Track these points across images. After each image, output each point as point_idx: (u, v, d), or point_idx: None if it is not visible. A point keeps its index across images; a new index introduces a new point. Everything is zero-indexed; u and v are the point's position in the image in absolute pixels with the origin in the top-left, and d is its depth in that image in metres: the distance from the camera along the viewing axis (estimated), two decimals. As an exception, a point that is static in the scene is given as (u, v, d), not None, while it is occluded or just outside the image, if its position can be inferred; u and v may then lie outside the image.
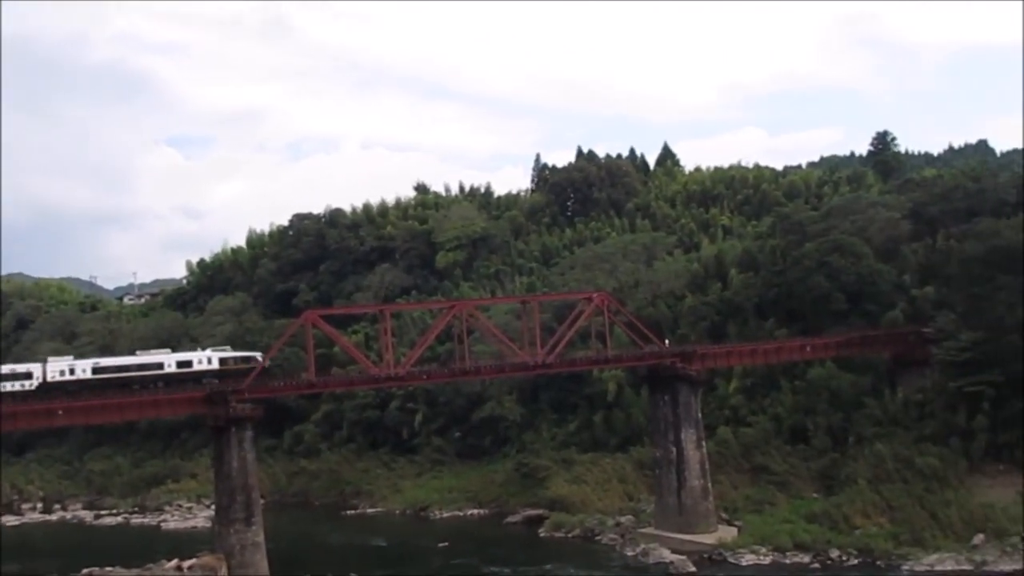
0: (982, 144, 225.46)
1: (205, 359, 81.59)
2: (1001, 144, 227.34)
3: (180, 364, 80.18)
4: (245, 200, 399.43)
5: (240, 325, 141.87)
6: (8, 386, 74.41)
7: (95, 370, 78.53)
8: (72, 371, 78.09)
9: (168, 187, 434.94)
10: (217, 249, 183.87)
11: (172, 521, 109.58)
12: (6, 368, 77.83)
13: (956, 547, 68.92)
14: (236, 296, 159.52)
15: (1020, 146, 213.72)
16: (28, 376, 76.60)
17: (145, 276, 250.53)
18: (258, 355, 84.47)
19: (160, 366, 79.46)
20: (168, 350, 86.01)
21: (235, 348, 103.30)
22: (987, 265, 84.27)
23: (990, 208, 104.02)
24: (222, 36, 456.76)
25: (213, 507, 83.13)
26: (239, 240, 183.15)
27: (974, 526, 70.61)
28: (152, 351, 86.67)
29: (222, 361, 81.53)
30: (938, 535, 70.67)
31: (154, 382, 78.47)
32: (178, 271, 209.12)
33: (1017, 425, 77.51)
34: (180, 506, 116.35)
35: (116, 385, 77.43)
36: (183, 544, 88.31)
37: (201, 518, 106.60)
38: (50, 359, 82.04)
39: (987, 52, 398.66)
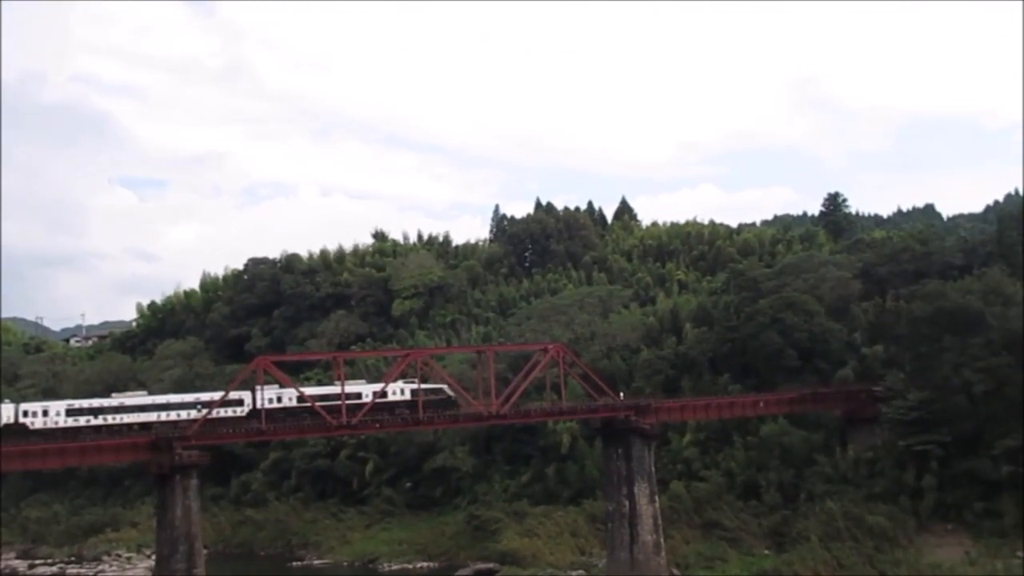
0: (929, 208, 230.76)
1: (399, 390, 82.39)
2: (947, 208, 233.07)
3: (376, 395, 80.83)
4: (200, 243, 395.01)
5: (190, 369, 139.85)
6: (224, 411, 77.64)
7: (299, 399, 79.83)
8: (280, 399, 79.80)
9: (121, 229, 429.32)
10: (169, 292, 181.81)
11: (110, 572, 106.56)
12: (216, 395, 78.88)
13: (905, 606, 69.12)
14: (187, 340, 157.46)
15: (965, 211, 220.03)
16: (240, 403, 79.13)
17: (94, 318, 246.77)
18: (445, 387, 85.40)
19: (359, 395, 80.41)
20: (364, 381, 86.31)
21: (183, 392, 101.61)
22: (934, 326, 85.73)
23: (937, 270, 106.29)
24: (181, 79, 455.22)
25: (154, 557, 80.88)
26: (192, 283, 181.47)
27: (923, 586, 70.91)
28: (352, 381, 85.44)
29: (413, 392, 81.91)
30: (888, 594, 70.78)
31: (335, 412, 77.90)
32: (129, 313, 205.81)
33: (964, 484, 78.33)
34: (119, 556, 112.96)
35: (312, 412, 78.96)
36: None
37: (141, 568, 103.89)
38: (258, 387, 79.87)
39: (935, 119, 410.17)
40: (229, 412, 78.28)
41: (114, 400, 78.75)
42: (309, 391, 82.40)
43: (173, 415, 76.74)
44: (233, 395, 78.93)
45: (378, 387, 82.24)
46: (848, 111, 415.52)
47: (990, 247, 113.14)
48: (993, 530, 75.46)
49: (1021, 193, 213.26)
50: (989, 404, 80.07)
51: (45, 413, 74.78)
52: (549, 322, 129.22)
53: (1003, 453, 76.50)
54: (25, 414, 73.79)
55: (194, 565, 70.12)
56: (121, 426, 75.32)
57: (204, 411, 75.78)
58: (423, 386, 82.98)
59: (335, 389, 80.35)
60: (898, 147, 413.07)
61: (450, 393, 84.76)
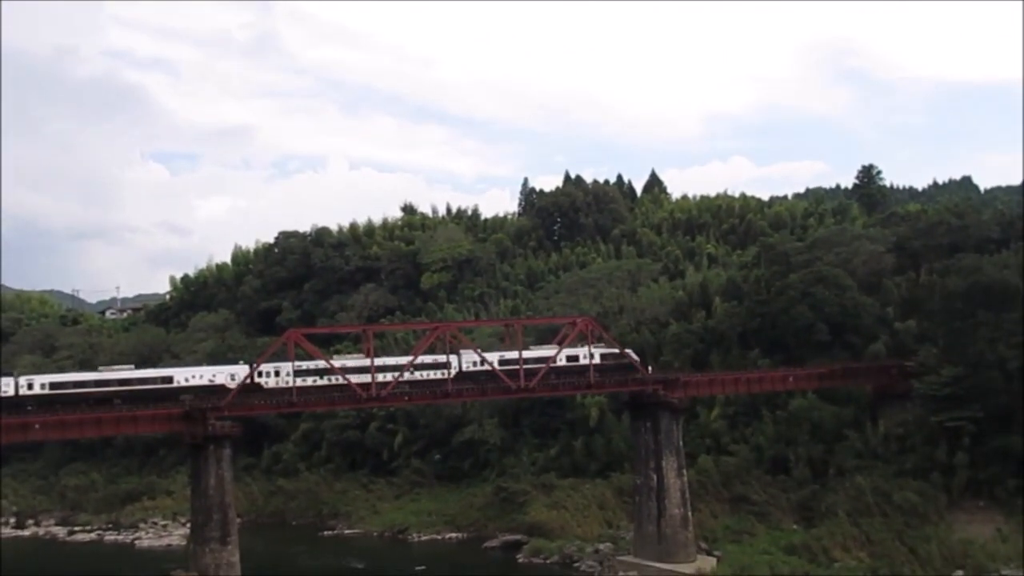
0: (966, 180, 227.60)
1: (588, 354, 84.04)
2: (985, 181, 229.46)
3: (569, 358, 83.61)
4: (230, 217, 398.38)
5: (222, 342, 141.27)
6: (432, 374, 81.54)
7: (501, 362, 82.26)
8: (482, 362, 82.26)
9: (153, 202, 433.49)
10: (202, 265, 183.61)
11: (147, 539, 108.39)
12: (429, 358, 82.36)
13: (934, 583, 68.85)
14: (219, 313, 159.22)
15: (1003, 183, 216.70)
16: (447, 366, 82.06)
17: (128, 291, 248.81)
18: (630, 351, 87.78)
19: (552, 360, 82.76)
20: (555, 346, 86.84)
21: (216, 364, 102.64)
22: (968, 301, 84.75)
23: (973, 244, 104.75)
24: (211, 53, 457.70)
25: (188, 525, 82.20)
26: (224, 257, 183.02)
27: (953, 562, 70.46)
28: (540, 346, 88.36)
29: (603, 356, 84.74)
30: (917, 570, 70.48)
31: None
32: (162, 286, 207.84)
33: (997, 461, 77.65)
34: (155, 524, 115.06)
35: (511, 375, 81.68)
36: (157, 562, 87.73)
37: (176, 536, 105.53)
38: (462, 350, 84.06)
39: (972, 89, 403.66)
40: (437, 374, 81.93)
41: (336, 362, 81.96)
42: (510, 355, 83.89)
43: (390, 376, 79.32)
44: (441, 358, 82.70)
45: (573, 351, 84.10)
46: (883, 82, 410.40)
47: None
48: (1025, 507, 74.84)
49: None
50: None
51: (277, 374, 78.76)
52: (578, 296, 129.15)
53: (1036, 429, 75.71)
54: (260, 374, 78.01)
55: (228, 533, 71.06)
56: (343, 386, 78.69)
57: (416, 373, 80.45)
58: (610, 350, 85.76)
59: (532, 353, 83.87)
60: (934, 118, 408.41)
61: (634, 357, 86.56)
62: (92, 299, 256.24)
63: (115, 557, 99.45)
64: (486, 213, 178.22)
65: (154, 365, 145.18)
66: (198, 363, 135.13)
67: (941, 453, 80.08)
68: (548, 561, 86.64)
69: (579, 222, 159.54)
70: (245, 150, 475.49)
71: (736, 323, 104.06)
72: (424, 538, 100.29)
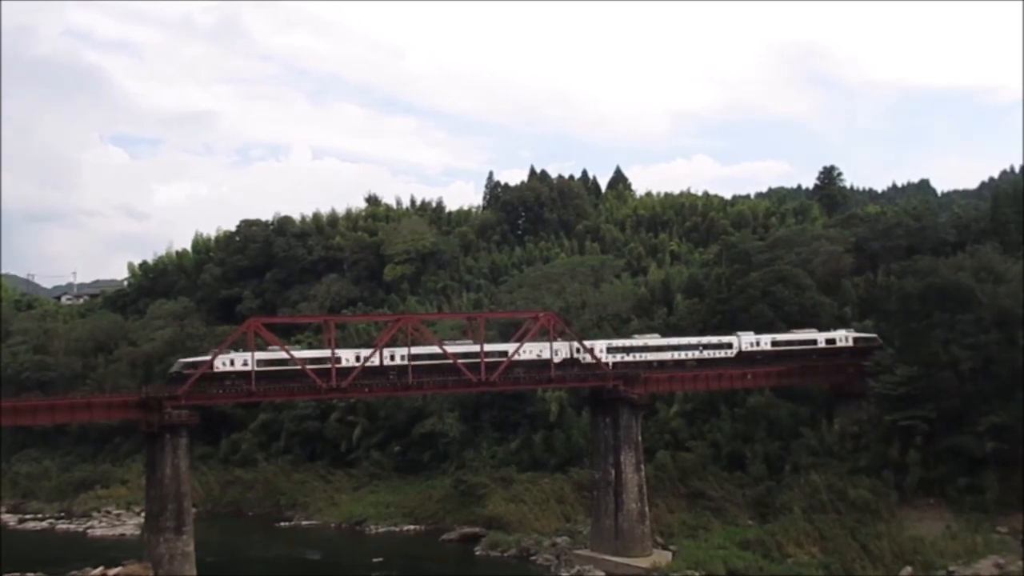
0: (924, 183, 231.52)
1: (843, 337, 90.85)
2: (942, 184, 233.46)
3: (827, 341, 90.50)
4: (191, 203, 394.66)
5: (181, 330, 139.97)
6: (716, 353, 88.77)
7: (773, 343, 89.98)
8: (759, 343, 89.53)
9: (112, 186, 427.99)
10: (161, 252, 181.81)
11: (99, 528, 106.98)
12: (713, 339, 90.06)
13: (884, 579, 69.82)
14: (178, 300, 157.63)
15: (960, 187, 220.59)
16: (729, 346, 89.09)
17: (85, 276, 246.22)
18: (875, 336, 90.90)
19: (814, 342, 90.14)
20: (814, 329, 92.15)
21: (177, 354, 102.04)
22: (924, 302, 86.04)
23: (929, 246, 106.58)
24: (173, 36, 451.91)
25: (143, 514, 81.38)
26: (184, 243, 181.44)
27: (903, 559, 71.34)
28: (802, 330, 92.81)
29: (855, 340, 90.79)
30: (868, 567, 71.22)
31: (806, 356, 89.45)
32: (119, 272, 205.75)
33: (948, 460, 78.95)
34: (109, 512, 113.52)
35: (783, 356, 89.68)
36: (110, 551, 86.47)
37: (130, 525, 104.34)
38: (741, 333, 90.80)
39: (931, 94, 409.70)
40: (720, 354, 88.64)
41: (637, 340, 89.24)
42: (765, 338, 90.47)
43: (680, 355, 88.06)
44: (725, 339, 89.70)
45: (830, 335, 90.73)
46: (846, 85, 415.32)
47: (983, 224, 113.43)
48: (975, 505, 76.02)
49: (1017, 170, 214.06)
50: (976, 381, 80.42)
51: (596, 349, 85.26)
52: (540, 290, 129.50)
53: (988, 430, 76.87)
54: (578, 350, 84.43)
55: (183, 523, 70.52)
56: (644, 363, 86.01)
57: (703, 352, 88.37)
58: (861, 335, 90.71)
59: (795, 336, 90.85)
60: (894, 122, 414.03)
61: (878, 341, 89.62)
62: (47, 284, 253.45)
63: (67, 546, 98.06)
64: (451, 206, 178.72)
65: (110, 353, 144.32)
66: (154, 351, 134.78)
67: (894, 451, 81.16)
68: (506, 554, 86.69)
69: (543, 217, 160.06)
70: (207, 136, 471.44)
71: (697, 320, 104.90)
72: (382, 530, 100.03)
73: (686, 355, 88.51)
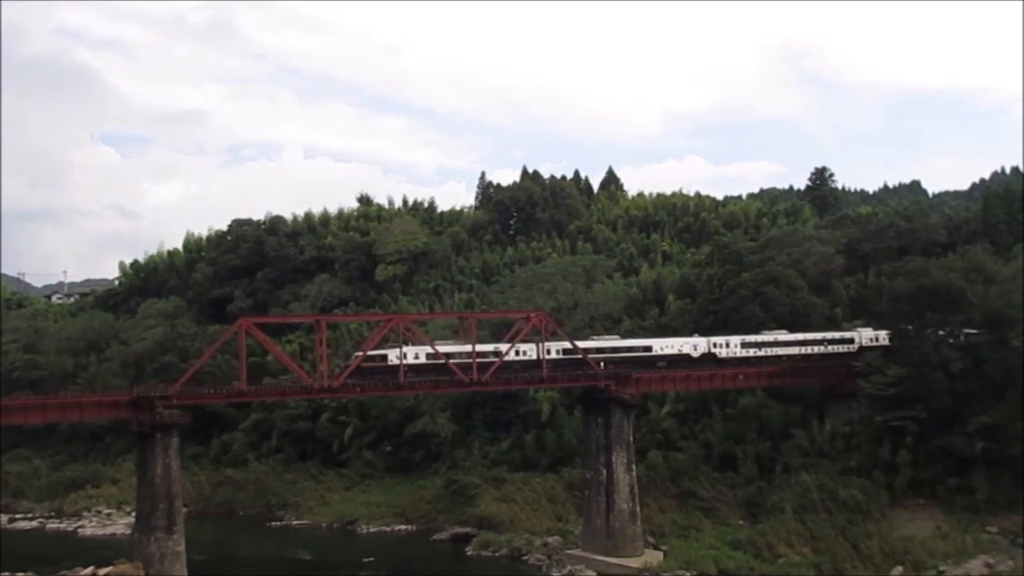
0: (915, 184, 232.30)
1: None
2: (933, 185, 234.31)
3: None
4: (182, 202, 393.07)
5: (172, 329, 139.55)
6: (839, 348, 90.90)
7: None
8: (876, 339, 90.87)
9: (103, 185, 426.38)
10: (152, 251, 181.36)
11: (90, 527, 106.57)
12: (836, 334, 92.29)
13: (875, 578, 70.09)
14: (169, 300, 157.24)
15: (951, 188, 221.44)
16: (851, 341, 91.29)
17: (76, 275, 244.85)
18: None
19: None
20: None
21: (168, 354, 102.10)
22: (915, 303, 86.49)
23: (920, 247, 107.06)
24: (165, 35, 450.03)
25: (134, 514, 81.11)
26: (175, 243, 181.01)
27: (893, 559, 71.71)
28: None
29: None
30: (859, 566, 71.58)
31: None
32: (111, 271, 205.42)
33: (938, 461, 79.31)
34: (99, 512, 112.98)
35: None
36: (101, 551, 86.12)
37: (121, 525, 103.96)
38: (860, 329, 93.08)
39: (923, 95, 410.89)
40: (843, 348, 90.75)
41: (768, 336, 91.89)
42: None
43: (805, 350, 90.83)
44: (847, 334, 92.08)
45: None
46: (839, 86, 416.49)
47: (974, 225, 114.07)
48: (965, 505, 76.59)
49: (1008, 172, 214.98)
50: (966, 382, 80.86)
51: (728, 345, 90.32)
52: (532, 290, 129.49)
53: (978, 430, 77.43)
54: (715, 345, 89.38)
55: (174, 523, 70.37)
56: (773, 357, 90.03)
57: (827, 347, 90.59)
58: None
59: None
60: (886, 123, 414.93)
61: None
62: (38, 283, 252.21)
63: (57, 545, 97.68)
64: (443, 206, 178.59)
65: (101, 352, 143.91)
66: (146, 351, 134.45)
67: (885, 452, 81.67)
68: (497, 554, 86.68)
69: (535, 217, 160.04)
70: (198, 135, 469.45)
71: (688, 320, 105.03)
72: (373, 530, 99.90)
73: (810, 350, 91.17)
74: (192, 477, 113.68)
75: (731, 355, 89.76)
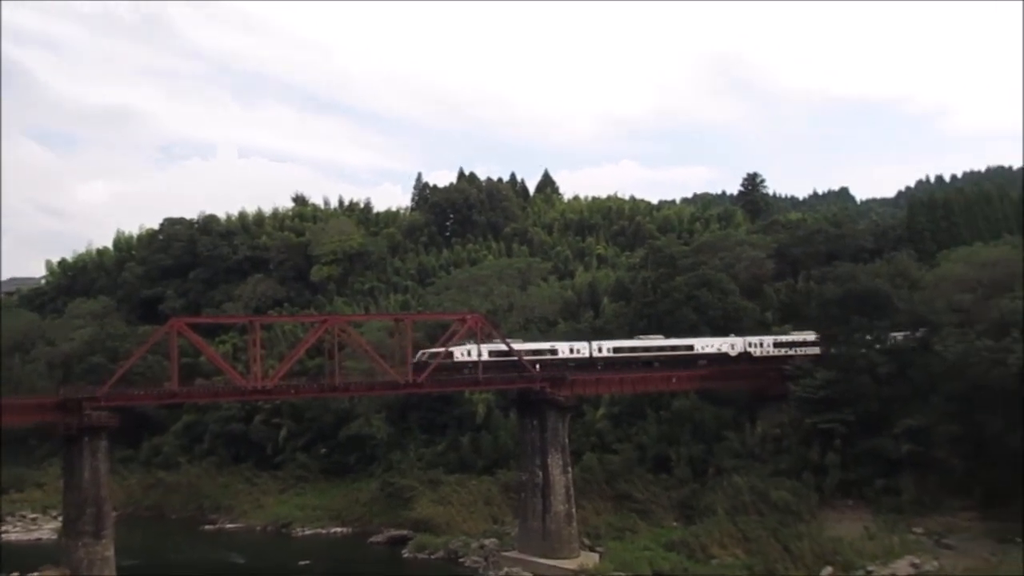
0: (844, 191, 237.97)
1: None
2: (861, 192, 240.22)
3: None
4: (113, 201, 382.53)
5: (101, 329, 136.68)
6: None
7: None
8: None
9: (31, 183, 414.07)
10: (81, 250, 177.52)
11: (15, 533, 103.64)
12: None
13: (805, 579, 71.51)
14: (98, 299, 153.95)
15: (878, 195, 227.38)
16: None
17: (2, 275, 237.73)
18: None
19: None
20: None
21: (96, 354, 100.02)
22: (843, 307, 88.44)
23: (849, 253, 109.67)
24: (96, 32, 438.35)
25: (60, 519, 79.27)
26: (105, 242, 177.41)
27: (823, 559, 72.95)
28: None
29: None
30: (790, 567, 72.72)
31: None
32: (38, 270, 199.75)
33: (866, 462, 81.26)
34: (24, 517, 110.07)
35: None
36: (26, 557, 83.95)
37: (47, 530, 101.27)
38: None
39: (852, 104, 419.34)
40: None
41: (797, 336, 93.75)
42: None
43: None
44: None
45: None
46: (770, 94, 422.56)
47: (900, 232, 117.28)
48: (892, 506, 78.43)
49: (932, 180, 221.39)
50: (892, 385, 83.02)
51: (762, 344, 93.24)
52: (468, 292, 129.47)
53: (904, 433, 79.40)
54: (750, 344, 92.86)
55: (102, 527, 68.91)
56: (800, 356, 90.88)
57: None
58: None
59: None
60: (816, 131, 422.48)
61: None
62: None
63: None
64: (379, 207, 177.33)
65: (26, 353, 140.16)
66: (73, 351, 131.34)
67: (814, 454, 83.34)
68: (433, 556, 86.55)
69: (472, 219, 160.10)
70: (131, 133, 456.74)
71: (623, 323, 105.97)
72: (308, 532, 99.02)
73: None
74: (121, 481, 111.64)
75: (765, 353, 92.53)
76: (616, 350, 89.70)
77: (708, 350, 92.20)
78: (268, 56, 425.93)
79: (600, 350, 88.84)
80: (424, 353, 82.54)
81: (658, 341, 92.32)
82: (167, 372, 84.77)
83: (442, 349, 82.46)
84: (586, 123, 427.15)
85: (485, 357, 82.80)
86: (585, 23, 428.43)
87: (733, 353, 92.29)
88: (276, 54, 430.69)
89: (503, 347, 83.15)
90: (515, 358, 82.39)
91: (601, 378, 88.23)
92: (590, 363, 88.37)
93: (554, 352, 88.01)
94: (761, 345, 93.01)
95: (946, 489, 78.37)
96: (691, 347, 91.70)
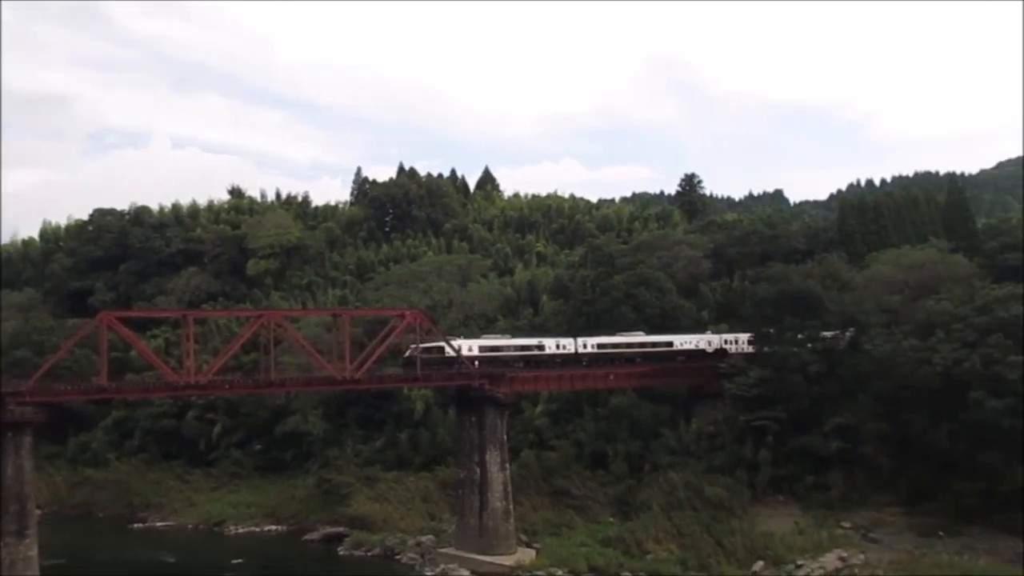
0: (778, 193, 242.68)
1: None
2: (795, 195, 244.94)
3: None
4: (39, 191, 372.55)
5: (27, 322, 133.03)
6: None
7: None
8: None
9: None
10: (5, 240, 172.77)
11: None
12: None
13: (738, 573, 72.19)
14: (24, 292, 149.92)
15: (811, 198, 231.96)
16: None
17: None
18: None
19: None
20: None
21: (21, 348, 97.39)
22: (776, 307, 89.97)
23: (782, 254, 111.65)
24: (21, 16, 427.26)
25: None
26: (31, 232, 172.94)
27: (755, 554, 74.12)
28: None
29: None
30: (723, 561, 73.68)
31: None
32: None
33: (796, 459, 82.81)
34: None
35: None
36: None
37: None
38: None
39: (787, 108, 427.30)
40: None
41: None
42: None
43: None
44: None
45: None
46: (708, 97, 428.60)
47: (831, 234, 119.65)
48: (821, 502, 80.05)
49: (863, 184, 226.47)
50: (823, 384, 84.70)
51: (736, 341, 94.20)
52: (407, 288, 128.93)
53: (833, 430, 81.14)
54: (726, 341, 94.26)
55: (26, 526, 66.89)
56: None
57: None
58: None
59: None
60: (752, 134, 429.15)
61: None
62: None
63: None
64: (317, 201, 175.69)
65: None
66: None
67: (747, 451, 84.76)
68: (370, 554, 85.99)
69: (411, 214, 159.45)
70: (59, 120, 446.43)
71: (562, 321, 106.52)
72: (242, 530, 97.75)
73: None
74: (47, 478, 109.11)
75: (739, 351, 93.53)
76: (600, 346, 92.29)
77: (687, 346, 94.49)
78: (206, 46, 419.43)
79: (585, 346, 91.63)
80: (416, 347, 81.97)
81: (640, 338, 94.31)
82: (96, 367, 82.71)
83: (436, 344, 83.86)
84: (528, 121, 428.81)
85: (475, 352, 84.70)
86: (529, 22, 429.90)
87: (710, 349, 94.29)
88: (214, 44, 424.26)
89: (493, 343, 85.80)
90: (503, 354, 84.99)
91: (539, 375, 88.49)
92: (575, 359, 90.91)
93: (541, 348, 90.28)
94: (736, 342, 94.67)
95: (873, 485, 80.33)
96: (671, 344, 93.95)
